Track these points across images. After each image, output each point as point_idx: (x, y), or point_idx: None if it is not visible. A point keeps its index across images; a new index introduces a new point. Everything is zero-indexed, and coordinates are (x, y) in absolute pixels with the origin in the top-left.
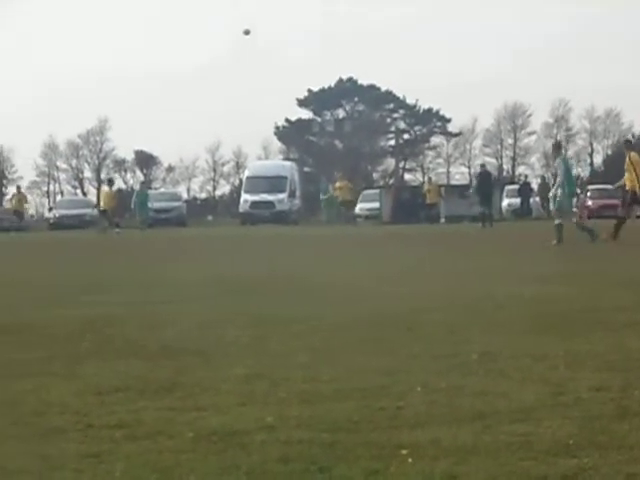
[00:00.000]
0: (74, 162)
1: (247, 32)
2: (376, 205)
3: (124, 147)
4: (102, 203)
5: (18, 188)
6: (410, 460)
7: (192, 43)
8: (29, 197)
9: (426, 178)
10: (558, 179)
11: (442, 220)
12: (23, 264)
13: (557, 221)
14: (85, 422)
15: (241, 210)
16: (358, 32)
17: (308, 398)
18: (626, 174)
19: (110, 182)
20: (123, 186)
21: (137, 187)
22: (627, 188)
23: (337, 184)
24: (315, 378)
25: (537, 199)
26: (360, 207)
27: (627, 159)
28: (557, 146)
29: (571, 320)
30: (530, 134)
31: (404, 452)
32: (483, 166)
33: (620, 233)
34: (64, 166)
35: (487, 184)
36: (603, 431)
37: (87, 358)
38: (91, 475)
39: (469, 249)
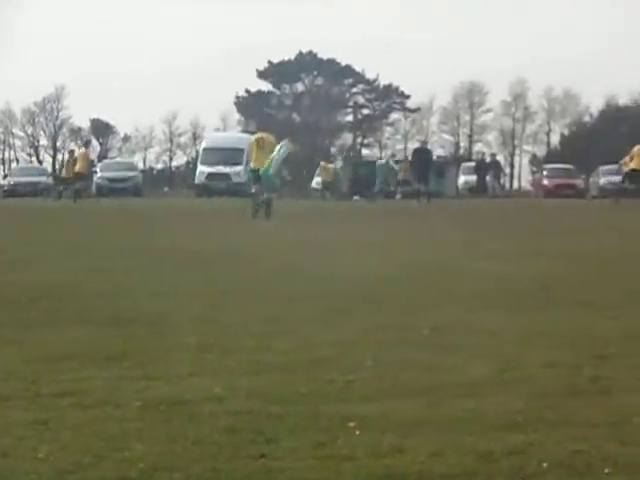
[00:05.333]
0: (30, 129)
1: None
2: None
3: (81, 115)
4: (78, 166)
5: None
6: (357, 433)
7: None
8: None
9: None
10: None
11: (398, 197)
12: None
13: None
14: (32, 390)
15: (197, 182)
16: (320, 5)
17: (258, 369)
18: None
19: (87, 143)
20: None
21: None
22: None
23: None
24: (266, 349)
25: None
26: (316, 181)
27: None
28: None
29: (524, 297)
30: (487, 112)
31: (352, 425)
32: (425, 142)
33: None
34: (20, 133)
35: (423, 161)
36: (551, 407)
37: (37, 325)
38: (37, 442)
39: (424, 225)
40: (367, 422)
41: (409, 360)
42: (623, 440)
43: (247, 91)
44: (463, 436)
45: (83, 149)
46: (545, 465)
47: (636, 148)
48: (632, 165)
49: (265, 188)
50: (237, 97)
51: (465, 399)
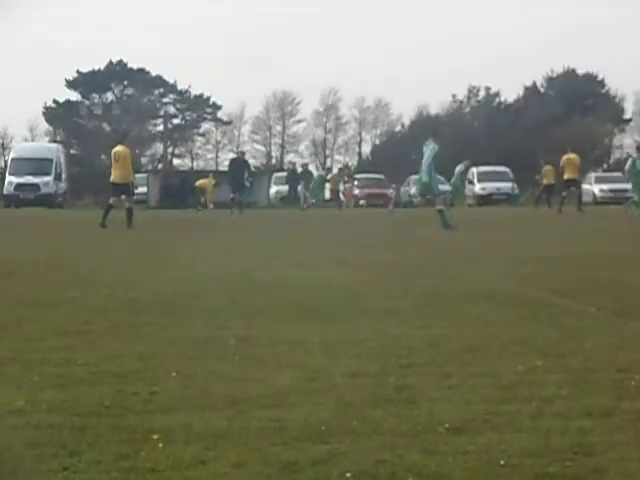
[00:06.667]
0: None
1: None
2: (143, 190)
3: None
4: None
5: None
6: (161, 445)
7: None
8: None
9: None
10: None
11: (211, 206)
12: None
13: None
14: None
15: (5, 192)
16: (130, 15)
17: (61, 382)
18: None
19: None
20: None
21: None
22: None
23: None
24: (69, 362)
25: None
26: None
27: None
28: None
29: (334, 307)
30: (299, 122)
31: (155, 437)
32: (243, 153)
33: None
34: None
35: (239, 170)
36: (356, 417)
37: None
38: None
39: (236, 235)
40: (171, 434)
41: (215, 371)
42: (428, 449)
43: (55, 101)
44: (267, 447)
45: None
46: (349, 475)
47: (565, 158)
48: (566, 176)
49: (432, 196)
50: (45, 108)
51: (270, 410)
